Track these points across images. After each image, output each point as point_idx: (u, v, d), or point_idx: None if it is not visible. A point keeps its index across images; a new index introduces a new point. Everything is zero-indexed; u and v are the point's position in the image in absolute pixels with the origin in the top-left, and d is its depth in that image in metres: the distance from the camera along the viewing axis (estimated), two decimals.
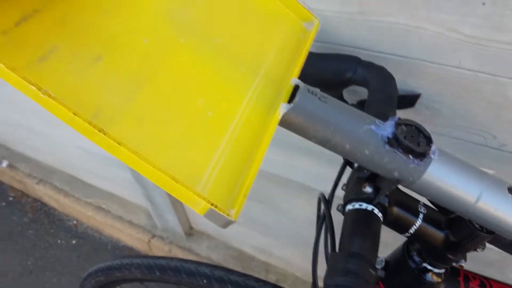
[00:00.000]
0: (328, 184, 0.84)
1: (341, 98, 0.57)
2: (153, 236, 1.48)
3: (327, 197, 0.46)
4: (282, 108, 0.34)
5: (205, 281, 0.60)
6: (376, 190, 0.39)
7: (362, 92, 0.58)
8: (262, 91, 0.36)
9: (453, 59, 0.51)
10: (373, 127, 0.34)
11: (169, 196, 1.26)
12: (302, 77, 0.38)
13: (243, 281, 0.58)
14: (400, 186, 0.39)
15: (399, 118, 0.35)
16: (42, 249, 1.62)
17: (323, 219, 0.43)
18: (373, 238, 0.36)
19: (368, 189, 0.39)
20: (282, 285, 0.60)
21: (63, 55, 0.26)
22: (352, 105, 0.55)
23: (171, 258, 0.66)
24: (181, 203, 1.34)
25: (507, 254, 0.47)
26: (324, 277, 0.35)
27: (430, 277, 0.45)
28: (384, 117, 0.36)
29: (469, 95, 0.54)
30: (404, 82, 0.57)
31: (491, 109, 0.54)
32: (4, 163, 1.80)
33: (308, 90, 0.35)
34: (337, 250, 0.37)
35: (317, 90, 0.35)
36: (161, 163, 0.26)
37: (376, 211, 0.38)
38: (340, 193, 0.47)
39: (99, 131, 0.24)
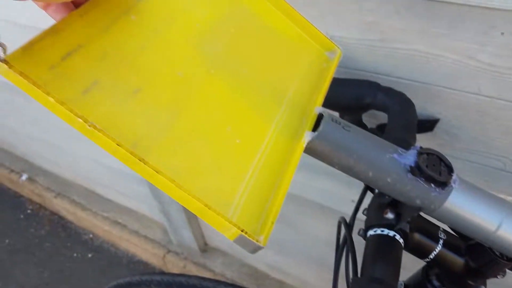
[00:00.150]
0: (344, 204, 0.85)
1: (360, 121, 0.58)
2: (168, 251, 1.49)
3: (347, 220, 0.47)
4: (307, 136, 0.35)
5: None
6: (398, 216, 0.40)
7: (381, 116, 0.59)
8: (287, 119, 0.37)
9: (472, 86, 0.52)
10: (395, 155, 0.35)
11: (185, 211, 1.28)
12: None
13: None
14: (420, 212, 0.40)
15: (421, 147, 0.36)
16: (58, 262, 1.64)
17: (344, 243, 0.44)
18: (395, 263, 0.37)
19: (390, 215, 0.40)
20: None
21: (104, 88, 0.28)
22: (371, 129, 0.56)
23: (190, 276, 0.67)
24: (196, 219, 1.35)
25: None
26: None
27: None
28: (404, 143, 0.37)
29: (488, 121, 0.54)
30: (423, 107, 0.58)
31: (509, 135, 0.54)
32: (24, 176, 1.84)
33: (332, 119, 0.36)
34: (358, 274, 0.38)
35: (341, 119, 0.37)
36: (195, 190, 0.27)
37: (397, 237, 0.39)
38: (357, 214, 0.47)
39: (140, 161, 0.25)
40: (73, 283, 1.56)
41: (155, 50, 0.32)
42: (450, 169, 0.35)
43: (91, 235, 1.73)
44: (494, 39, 0.47)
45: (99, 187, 1.68)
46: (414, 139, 0.47)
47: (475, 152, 0.59)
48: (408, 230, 0.40)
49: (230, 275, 1.38)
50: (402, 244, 0.40)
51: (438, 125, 0.58)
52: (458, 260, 0.42)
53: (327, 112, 0.37)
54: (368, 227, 0.41)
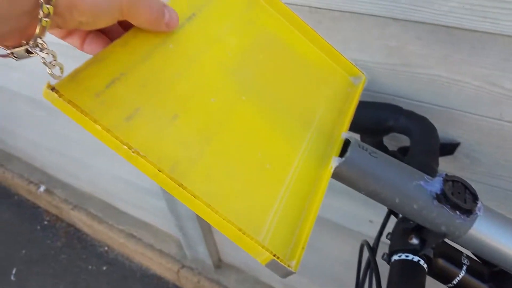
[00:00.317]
0: (361, 224, 0.85)
1: (381, 144, 0.58)
2: (183, 266, 1.50)
3: (371, 244, 0.48)
4: (334, 162, 0.36)
5: None
6: (423, 242, 0.40)
7: (402, 138, 0.60)
8: (314, 144, 0.38)
9: (493, 111, 0.53)
10: (422, 183, 0.35)
11: (201, 227, 1.28)
12: None
13: None
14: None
15: (447, 174, 0.36)
16: (73, 274, 1.65)
17: (367, 267, 0.45)
18: None
19: (414, 241, 0.40)
20: None
21: (145, 114, 0.30)
22: (393, 151, 0.56)
23: None
24: (211, 234, 1.36)
25: None
26: None
27: None
28: (429, 169, 0.38)
29: (509, 146, 0.55)
30: (444, 131, 0.58)
31: None
32: (42, 188, 1.87)
33: (359, 145, 0.37)
34: None
35: (367, 145, 0.38)
36: (228, 214, 0.28)
37: (421, 262, 0.39)
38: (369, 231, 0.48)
39: (179, 186, 0.27)
40: None
41: (190, 77, 0.34)
42: (475, 197, 0.36)
43: (106, 248, 1.74)
44: None
45: (116, 200, 1.70)
46: (437, 163, 0.48)
47: (496, 177, 0.59)
48: (432, 256, 0.40)
49: None
50: (426, 270, 0.40)
51: (459, 148, 0.59)
52: (481, 286, 0.42)
53: (354, 138, 0.38)
54: (392, 251, 0.42)
